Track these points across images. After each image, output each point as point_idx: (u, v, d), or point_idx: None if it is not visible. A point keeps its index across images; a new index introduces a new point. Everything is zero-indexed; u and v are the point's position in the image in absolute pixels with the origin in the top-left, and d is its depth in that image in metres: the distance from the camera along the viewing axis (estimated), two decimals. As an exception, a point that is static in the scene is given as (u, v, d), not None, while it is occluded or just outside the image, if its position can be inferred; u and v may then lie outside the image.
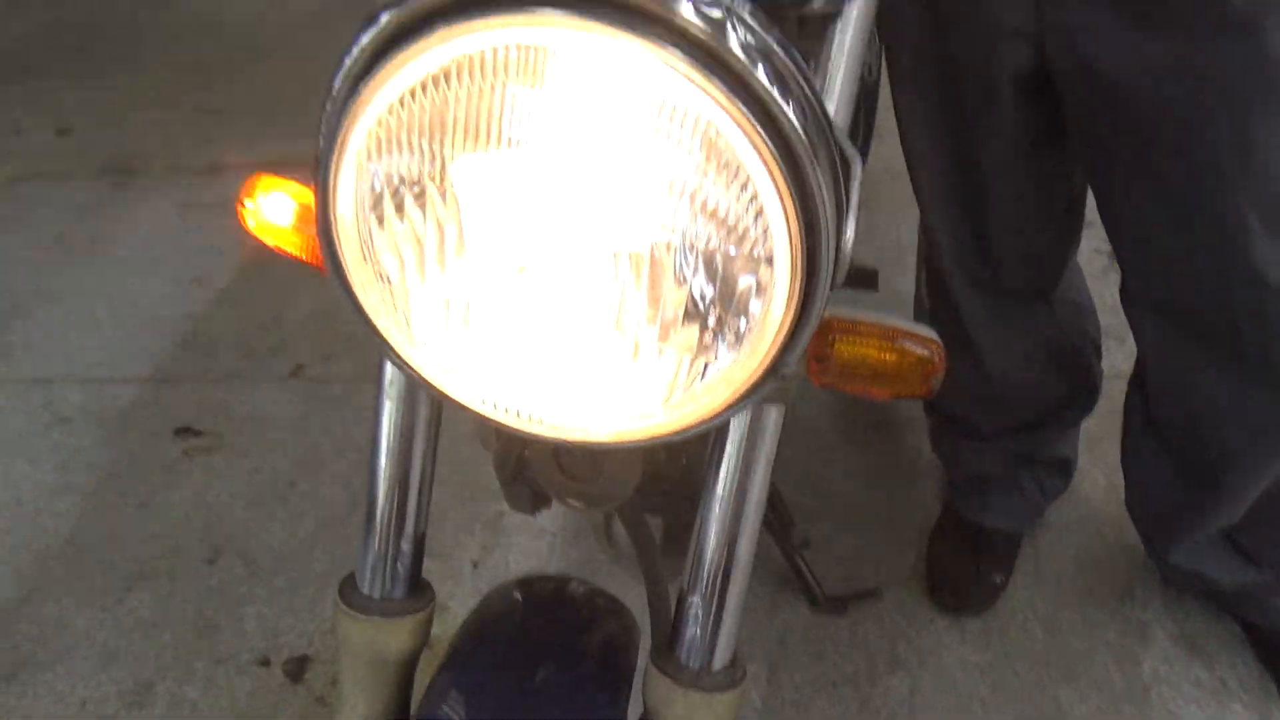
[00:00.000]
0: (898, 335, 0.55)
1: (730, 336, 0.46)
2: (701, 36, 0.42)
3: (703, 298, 0.46)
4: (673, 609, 0.67)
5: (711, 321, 0.46)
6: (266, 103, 3.01)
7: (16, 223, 2.68)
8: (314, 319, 2.15)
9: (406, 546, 0.67)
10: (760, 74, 0.42)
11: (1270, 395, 1.08)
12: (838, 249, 0.47)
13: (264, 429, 1.90)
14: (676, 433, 0.50)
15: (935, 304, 1.38)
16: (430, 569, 1.60)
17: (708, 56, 0.42)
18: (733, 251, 0.44)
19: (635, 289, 0.45)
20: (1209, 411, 1.14)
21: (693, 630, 0.65)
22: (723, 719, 0.66)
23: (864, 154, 0.93)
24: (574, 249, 0.44)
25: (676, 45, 0.42)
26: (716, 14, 0.43)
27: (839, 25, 0.58)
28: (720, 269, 0.45)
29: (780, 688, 1.41)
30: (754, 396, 0.49)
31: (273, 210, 0.56)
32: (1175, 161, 0.96)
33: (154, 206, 2.67)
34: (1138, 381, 1.25)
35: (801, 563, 1.50)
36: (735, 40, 0.42)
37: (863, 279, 1.63)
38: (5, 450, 1.92)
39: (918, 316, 1.66)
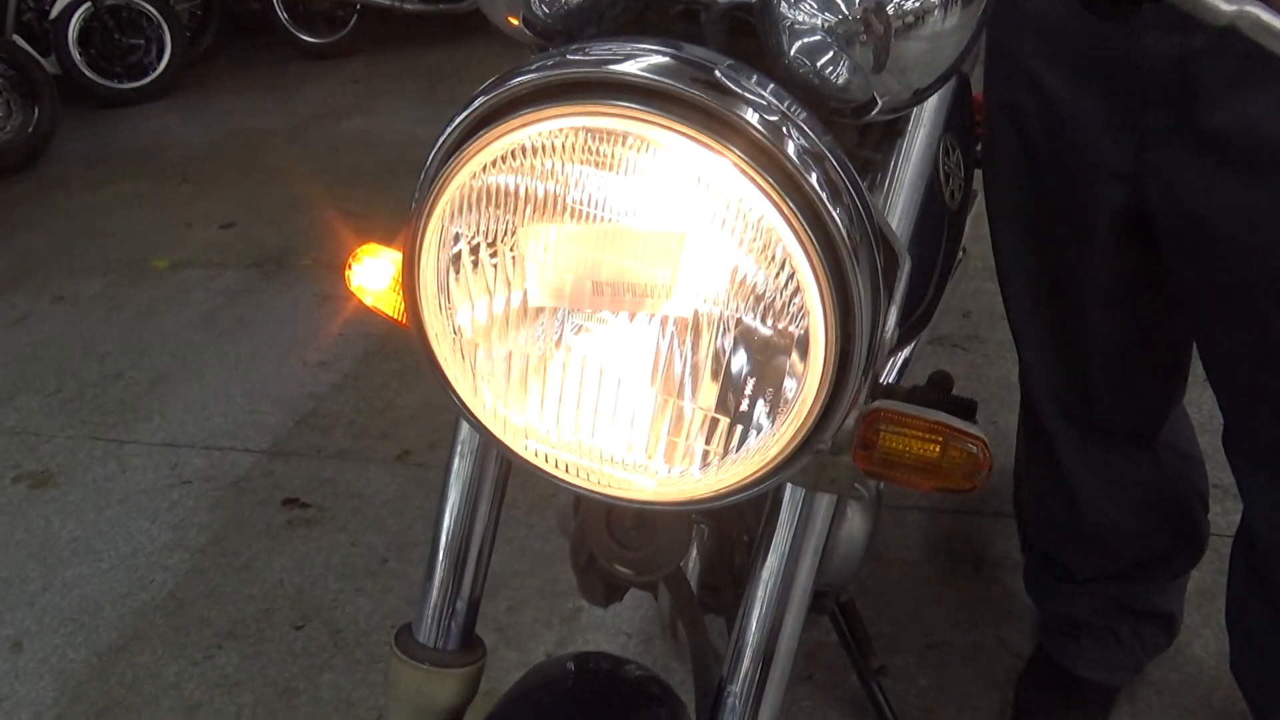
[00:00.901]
0: (944, 430, 0.56)
1: (765, 408, 0.49)
2: (758, 138, 0.46)
3: (741, 371, 0.49)
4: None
5: (748, 391, 0.49)
6: (406, 207, 3.21)
7: (174, 303, 2.91)
8: (424, 409, 2.25)
9: (463, 601, 0.70)
10: (809, 176, 0.46)
11: None
12: (874, 337, 0.49)
13: (365, 507, 1.98)
14: (716, 496, 0.52)
15: (1028, 437, 1.36)
16: (507, 658, 1.62)
17: (762, 156, 0.46)
18: (769, 331, 0.47)
19: (676, 355, 0.48)
20: None
21: (731, 715, 0.66)
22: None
23: (943, 281, 0.95)
24: (623, 312, 0.48)
25: (734, 144, 0.46)
26: (773, 118, 0.47)
27: (903, 140, 0.61)
28: (758, 346, 0.48)
29: (846, 821, 1.35)
30: (788, 470, 0.51)
31: (372, 275, 0.62)
32: (1271, 308, 0.94)
33: (295, 296, 2.86)
34: (1244, 535, 1.20)
35: (878, 690, 1.45)
36: (790, 144, 0.46)
37: (961, 409, 1.62)
38: (129, 506, 2.05)
39: (1018, 452, 1.63)
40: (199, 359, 2.58)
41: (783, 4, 0.49)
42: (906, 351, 1.87)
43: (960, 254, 1.70)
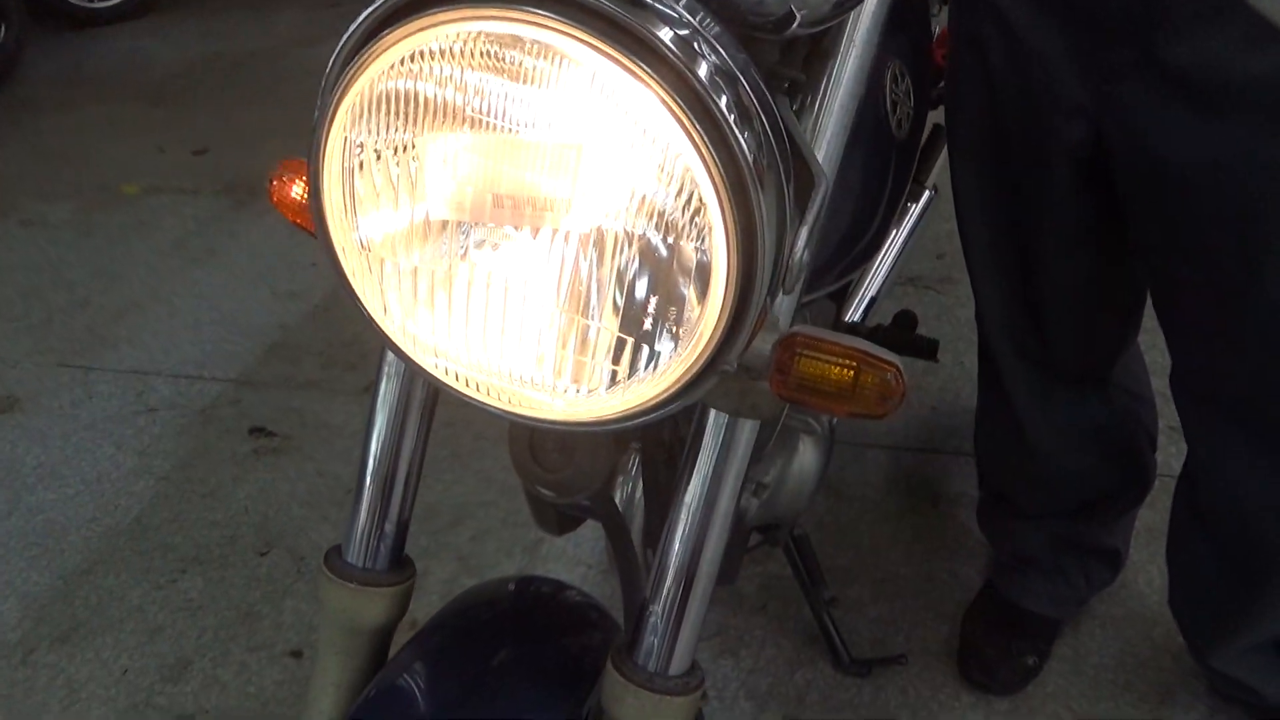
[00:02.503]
0: (858, 356, 0.56)
1: (668, 330, 0.49)
2: (666, 54, 0.45)
3: (645, 290, 0.48)
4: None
5: (651, 311, 0.49)
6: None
7: (144, 230, 2.87)
8: (394, 339, 2.25)
9: (391, 523, 0.71)
10: (717, 97, 0.45)
11: None
12: (781, 259, 0.49)
13: (332, 437, 1.99)
14: (624, 417, 0.52)
15: (983, 375, 1.37)
16: (468, 584, 1.63)
17: (670, 73, 0.45)
18: (671, 251, 0.47)
19: (580, 272, 0.48)
20: (1259, 509, 1.10)
21: (652, 634, 0.67)
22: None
23: (892, 211, 0.94)
24: (526, 228, 0.48)
25: (641, 58, 0.45)
26: (685, 33, 0.46)
27: (834, 61, 0.60)
28: (661, 265, 0.48)
29: (793, 744, 1.39)
30: (694, 392, 0.51)
31: (292, 188, 0.62)
32: (1234, 251, 0.94)
33: (268, 225, 2.83)
34: (1186, 475, 1.21)
35: (829, 621, 1.48)
36: (700, 62, 0.46)
37: (923, 349, 1.63)
38: (96, 432, 2.05)
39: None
40: (168, 286, 2.56)
41: None
42: (874, 290, 1.87)
43: (931, 192, 1.69)
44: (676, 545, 0.66)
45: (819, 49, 0.60)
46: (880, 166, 0.83)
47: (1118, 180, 1.00)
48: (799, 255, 0.50)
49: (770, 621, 1.56)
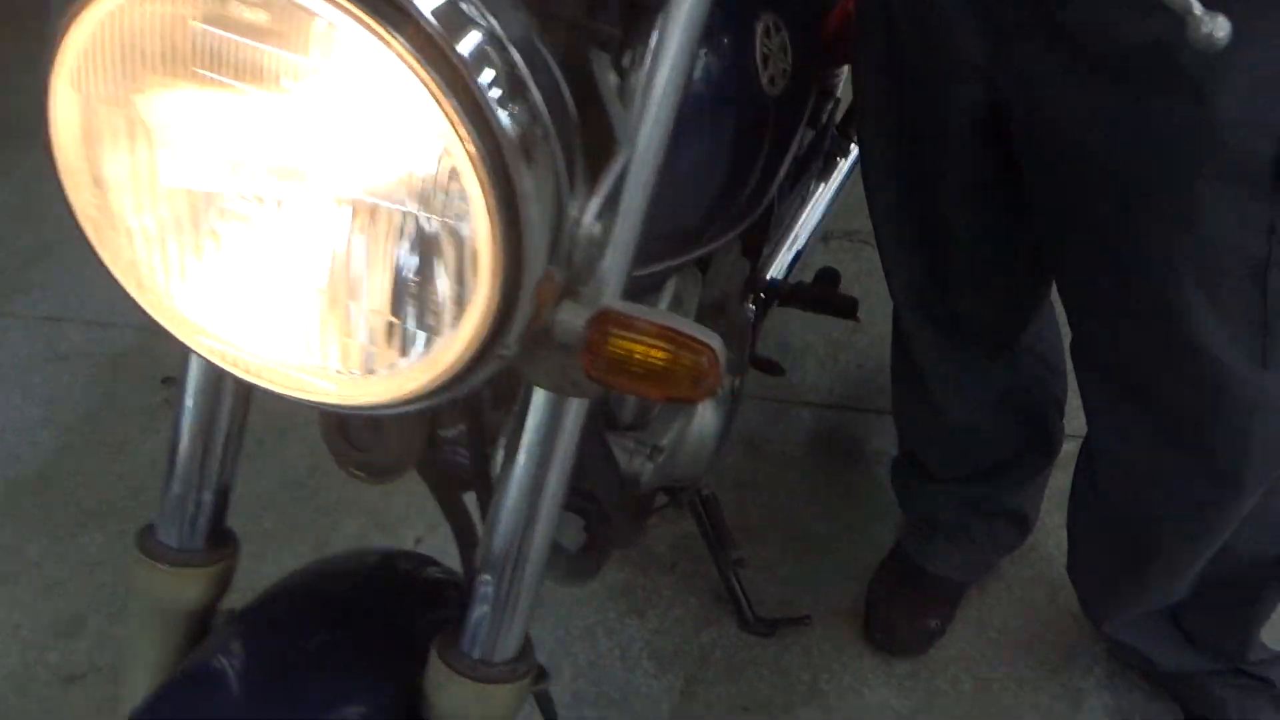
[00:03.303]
0: (671, 336, 0.53)
1: (439, 313, 0.45)
2: (418, 17, 0.41)
3: (410, 270, 0.44)
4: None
5: (416, 293, 0.45)
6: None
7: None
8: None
9: (208, 497, 0.67)
10: (476, 72, 0.41)
11: (1208, 469, 1.02)
12: (558, 236, 0.45)
13: (246, 388, 1.93)
14: (402, 401, 0.49)
15: (893, 335, 1.34)
16: (377, 540, 1.60)
17: (420, 36, 0.41)
18: (435, 229, 0.43)
19: (338, 249, 0.44)
20: (1148, 481, 1.08)
21: (477, 619, 0.64)
22: (495, 712, 0.64)
23: (772, 170, 0.90)
24: (273, 199, 0.43)
25: (390, 20, 0.40)
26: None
27: (664, 15, 0.56)
28: (427, 244, 0.44)
29: (693, 702, 1.38)
30: (474, 376, 0.48)
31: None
32: (1120, 220, 0.91)
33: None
34: (1086, 445, 1.20)
35: (735, 581, 1.46)
36: (461, 27, 0.41)
37: (843, 307, 1.60)
38: (3, 382, 1.98)
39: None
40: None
41: None
42: (798, 246, 1.83)
43: (852, 152, 1.64)
44: (502, 527, 0.63)
45: (642, 3, 0.55)
46: (750, 124, 0.78)
47: (1014, 140, 0.96)
48: (586, 229, 0.46)
49: (679, 580, 1.54)
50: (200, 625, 0.69)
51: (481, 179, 0.41)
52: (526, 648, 0.66)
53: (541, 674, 0.73)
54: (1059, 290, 1.06)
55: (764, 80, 0.78)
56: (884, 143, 1.08)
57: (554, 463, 0.62)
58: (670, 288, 0.95)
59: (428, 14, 0.40)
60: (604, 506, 1.08)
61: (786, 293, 1.59)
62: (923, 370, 1.25)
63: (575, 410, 0.62)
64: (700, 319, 1.24)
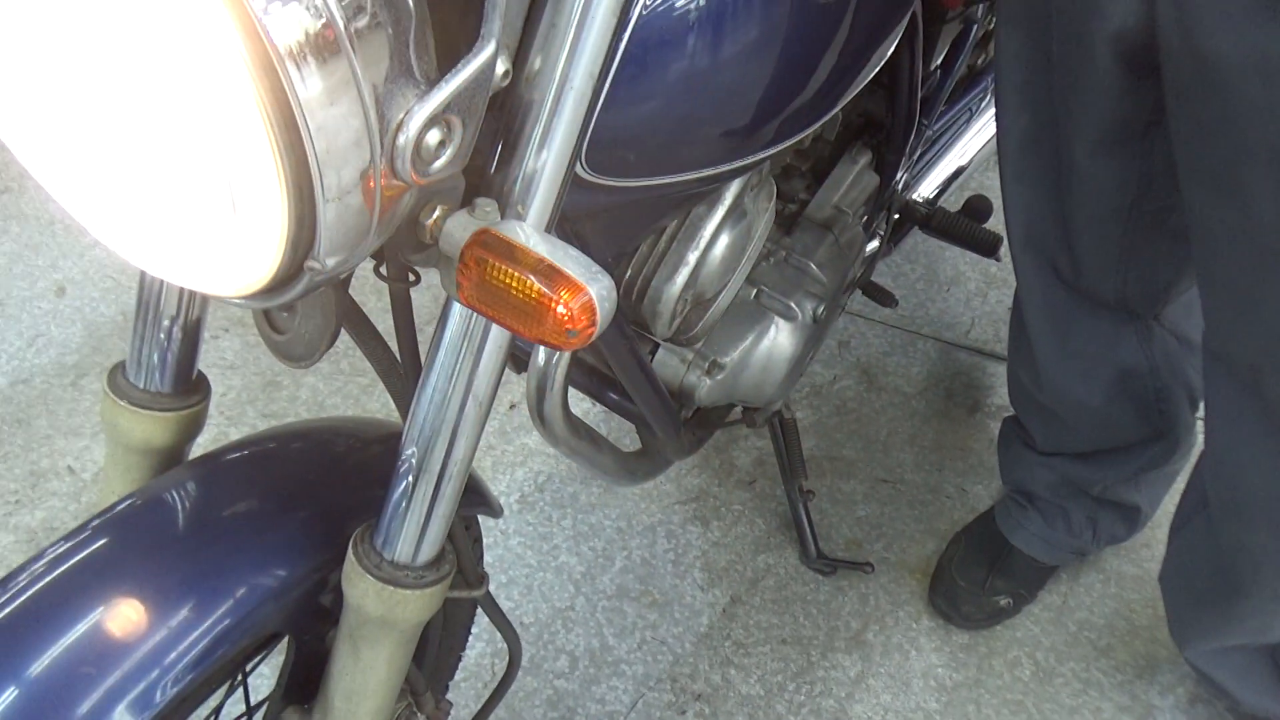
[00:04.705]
0: (548, 271, 0.47)
1: (241, 212, 0.41)
2: None
3: (206, 172, 0.41)
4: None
5: (217, 192, 0.41)
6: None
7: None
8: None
9: (179, 338, 0.68)
10: None
11: None
12: (380, 136, 0.40)
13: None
14: (244, 298, 0.46)
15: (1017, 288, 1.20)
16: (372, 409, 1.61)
17: None
18: (227, 133, 0.39)
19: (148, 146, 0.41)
20: (1260, 497, 0.93)
21: (390, 517, 0.62)
22: (398, 614, 0.63)
23: (835, 78, 0.78)
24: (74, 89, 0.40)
25: None
26: None
27: None
28: (220, 148, 0.40)
29: (732, 623, 1.36)
30: (293, 286, 0.44)
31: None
32: (1262, 187, 0.75)
33: None
34: (1205, 449, 1.04)
35: (804, 511, 1.41)
36: None
37: (982, 242, 1.46)
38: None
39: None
40: None
41: None
42: (952, 169, 1.66)
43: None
44: (420, 428, 0.60)
45: None
46: (797, 31, 0.68)
47: (1165, 79, 0.80)
48: (414, 128, 0.41)
49: (752, 499, 1.50)
50: (167, 466, 0.71)
51: (254, 81, 0.36)
52: (443, 555, 0.65)
53: (473, 580, 0.72)
54: (1196, 265, 0.90)
55: None
56: (1021, 67, 0.93)
57: (479, 374, 0.59)
58: (729, 197, 0.87)
59: None
60: (641, 410, 1.04)
61: (922, 216, 1.45)
62: (1030, 329, 1.11)
63: (496, 331, 0.58)
64: (801, 233, 1.15)
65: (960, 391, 1.65)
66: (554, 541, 1.44)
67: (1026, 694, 1.28)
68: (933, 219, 1.45)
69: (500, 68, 0.45)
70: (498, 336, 0.57)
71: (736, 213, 0.90)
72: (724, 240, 0.90)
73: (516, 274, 0.46)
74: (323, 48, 0.36)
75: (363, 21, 0.37)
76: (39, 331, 1.79)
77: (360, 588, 0.63)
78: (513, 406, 1.64)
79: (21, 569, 0.61)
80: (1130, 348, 1.10)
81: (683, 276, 0.88)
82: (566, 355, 0.92)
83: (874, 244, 1.36)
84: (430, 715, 0.82)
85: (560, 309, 0.45)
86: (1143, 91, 0.85)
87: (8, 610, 0.59)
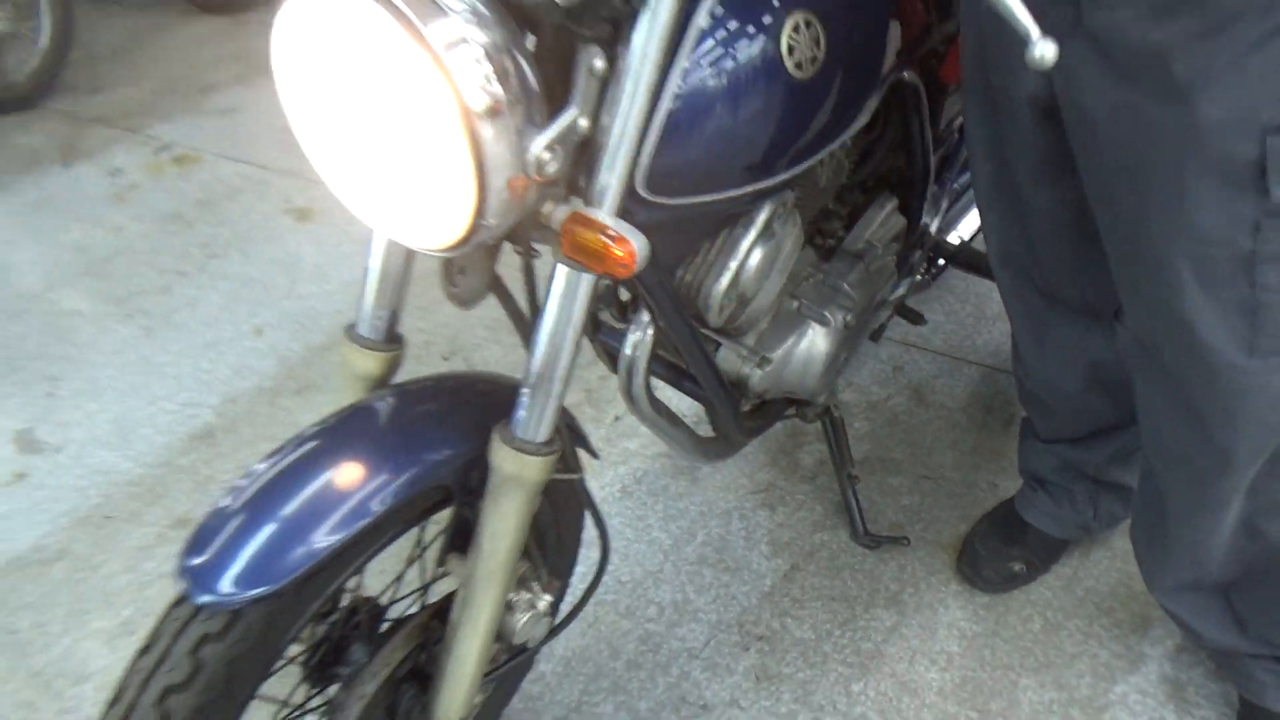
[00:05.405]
0: (607, 232, 0.83)
1: (447, 196, 0.79)
2: (432, 41, 0.73)
3: (430, 167, 0.78)
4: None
5: (433, 180, 0.78)
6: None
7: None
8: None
9: (388, 306, 1.06)
10: (449, 58, 0.73)
11: (1204, 441, 1.12)
12: (522, 160, 0.77)
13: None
14: (444, 249, 0.83)
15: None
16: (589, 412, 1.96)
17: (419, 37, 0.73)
18: (440, 148, 0.76)
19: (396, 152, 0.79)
20: (1165, 448, 1.19)
21: (518, 415, 0.98)
22: (523, 472, 0.98)
23: (790, 139, 1.12)
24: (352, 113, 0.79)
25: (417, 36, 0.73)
26: (452, 36, 0.74)
27: (638, 23, 0.83)
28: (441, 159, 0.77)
29: (790, 584, 1.65)
30: (476, 237, 0.81)
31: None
32: (1131, 203, 1.05)
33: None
34: None
35: (852, 494, 1.70)
36: (448, 34, 0.73)
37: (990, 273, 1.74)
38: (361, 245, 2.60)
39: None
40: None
41: None
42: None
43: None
44: (537, 356, 0.95)
45: (619, 14, 0.82)
46: (773, 100, 1.01)
47: (1065, 126, 1.11)
48: (534, 153, 0.77)
49: (813, 490, 1.80)
50: (377, 388, 1.08)
51: (462, 122, 0.73)
52: (552, 441, 0.99)
53: (573, 467, 1.06)
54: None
55: (790, 66, 1.01)
56: (976, 121, 1.25)
57: (572, 319, 0.94)
58: (759, 220, 1.21)
59: (432, 20, 0.73)
60: (708, 394, 1.37)
61: (951, 253, 1.76)
62: (1014, 330, 1.40)
63: (585, 284, 0.93)
64: (837, 261, 1.48)
65: (999, 408, 1.92)
66: (648, 521, 1.77)
67: (1035, 642, 1.52)
68: (960, 255, 1.75)
69: (582, 124, 0.82)
70: (584, 284, 0.92)
71: (766, 234, 1.23)
72: (757, 254, 1.23)
73: (592, 235, 0.82)
74: (494, 111, 0.73)
75: (512, 97, 0.74)
76: (243, 364, 2.25)
77: (500, 454, 0.98)
78: (618, 419, 1.99)
79: (284, 445, 0.98)
80: (1098, 344, 1.37)
81: (725, 280, 1.21)
82: (647, 347, 1.25)
83: (910, 275, 1.68)
84: (544, 584, 1.16)
85: (616, 252, 0.81)
86: (1060, 136, 1.15)
87: (272, 472, 0.95)
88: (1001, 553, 1.58)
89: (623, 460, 1.89)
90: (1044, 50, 0.76)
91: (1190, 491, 1.18)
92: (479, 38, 0.74)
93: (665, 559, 1.71)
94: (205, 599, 0.85)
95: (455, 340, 2.24)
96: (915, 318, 1.71)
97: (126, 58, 3.69)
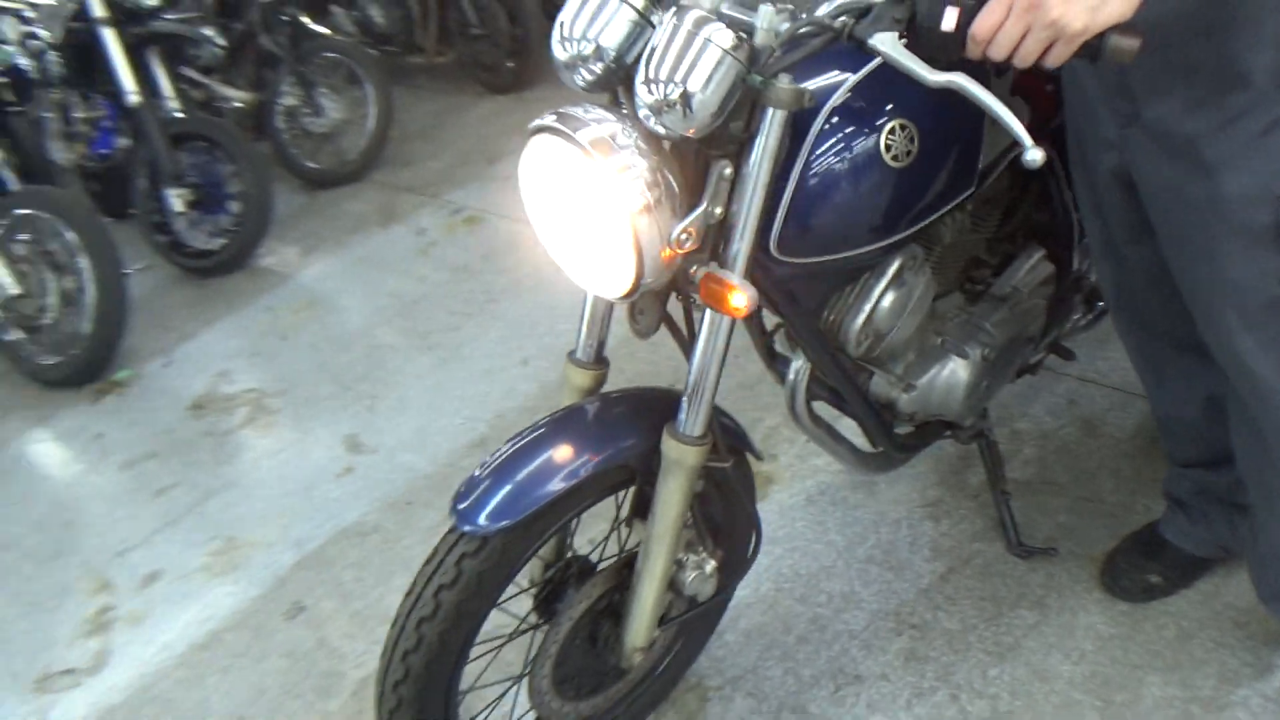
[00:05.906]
0: (726, 283, 1.19)
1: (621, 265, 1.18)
2: (613, 160, 1.13)
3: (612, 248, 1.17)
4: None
5: (613, 256, 1.18)
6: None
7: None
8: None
9: (596, 336, 1.46)
10: (625, 175, 1.13)
11: (1268, 459, 1.34)
12: (670, 237, 1.15)
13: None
14: (621, 297, 1.22)
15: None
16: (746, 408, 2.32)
17: (606, 161, 1.14)
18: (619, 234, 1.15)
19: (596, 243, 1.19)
20: (1245, 465, 1.38)
21: (683, 410, 1.34)
22: (683, 458, 1.34)
23: (897, 214, 1.39)
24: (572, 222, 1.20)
25: (605, 161, 1.14)
26: (620, 154, 1.13)
27: (755, 140, 1.19)
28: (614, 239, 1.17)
29: (945, 584, 1.89)
30: (639, 291, 1.19)
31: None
32: (1181, 260, 1.28)
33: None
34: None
35: (1006, 510, 1.92)
36: (616, 155, 1.13)
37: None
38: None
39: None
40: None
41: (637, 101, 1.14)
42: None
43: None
44: (697, 361, 1.32)
45: (740, 139, 1.19)
46: (874, 186, 1.32)
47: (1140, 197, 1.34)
48: (675, 235, 1.15)
49: (975, 506, 2.03)
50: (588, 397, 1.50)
51: (625, 213, 1.12)
52: (706, 433, 1.34)
53: (724, 457, 1.42)
54: None
55: (887, 159, 1.31)
56: (1083, 189, 1.49)
57: (721, 331, 1.30)
58: (890, 271, 1.51)
59: (608, 155, 1.12)
60: (858, 413, 1.68)
61: (1086, 293, 1.95)
62: (1134, 365, 1.60)
63: (726, 324, 1.29)
64: (984, 303, 1.74)
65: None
66: (826, 525, 2.07)
67: (1166, 646, 1.68)
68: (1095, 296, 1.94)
69: (716, 211, 1.19)
70: (724, 322, 1.28)
71: (897, 281, 1.53)
72: (889, 297, 1.52)
73: (715, 287, 1.19)
74: (647, 207, 1.12)
75: (658, 196, 1.13)
76: (511, 387, 2.77)
77: (668, 444, 1.35)
78: (809, 440, 2.30)
79: (522, 431, 1.40)
80: (1213, 377, 1.54)
81: (860, 319, 1.51)
82: (805, 373, 1.59)
83: (1065, 317, 1.89)
84: (710, 550, 1.52)
85: (730, 299, 1.17)
86: (1140, 204, 1.37)
87: (513, 448, 1.37)
88: (1140, 565, 1.75)
89: (810, 475, 2.20)
90: (1033, 155, 1.04)
91: (1268, 505, 1.35)
92: (640, 163, 1.13)
93: (838, 557, 2.00)
94: (466, 528, 1.29)
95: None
96: (1065, 354, 1.92)
97: (431, 135, 4.45)
